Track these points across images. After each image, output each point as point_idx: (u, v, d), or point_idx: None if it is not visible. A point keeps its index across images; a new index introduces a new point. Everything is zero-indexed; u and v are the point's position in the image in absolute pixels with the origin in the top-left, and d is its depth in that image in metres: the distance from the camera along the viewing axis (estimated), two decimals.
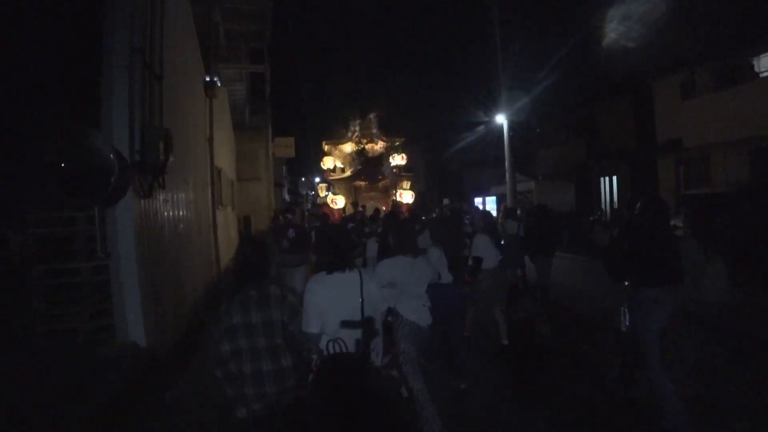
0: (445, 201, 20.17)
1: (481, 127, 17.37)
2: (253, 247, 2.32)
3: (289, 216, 6.28)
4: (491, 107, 15.52)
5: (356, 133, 14.55)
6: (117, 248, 3.36)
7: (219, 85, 9.07)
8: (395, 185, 13.85)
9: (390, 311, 2.92)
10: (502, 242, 6.25)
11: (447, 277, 3.72)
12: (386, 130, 15.08)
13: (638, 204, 3.10)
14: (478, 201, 22.29)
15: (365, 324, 2.28)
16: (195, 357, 4.50)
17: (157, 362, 3.65)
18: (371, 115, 14.84)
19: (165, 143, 3.84)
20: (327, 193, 15.74)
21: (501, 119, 14.95)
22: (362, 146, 13.74)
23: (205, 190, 7.55)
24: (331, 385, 1.91)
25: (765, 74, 10.93)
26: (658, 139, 13.84)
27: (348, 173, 13.74)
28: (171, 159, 3.95)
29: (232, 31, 13.20)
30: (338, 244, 2.42)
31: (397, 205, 10.99)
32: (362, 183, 13.31)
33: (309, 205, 24.70)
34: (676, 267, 2.93)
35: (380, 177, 13.54)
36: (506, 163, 14.81)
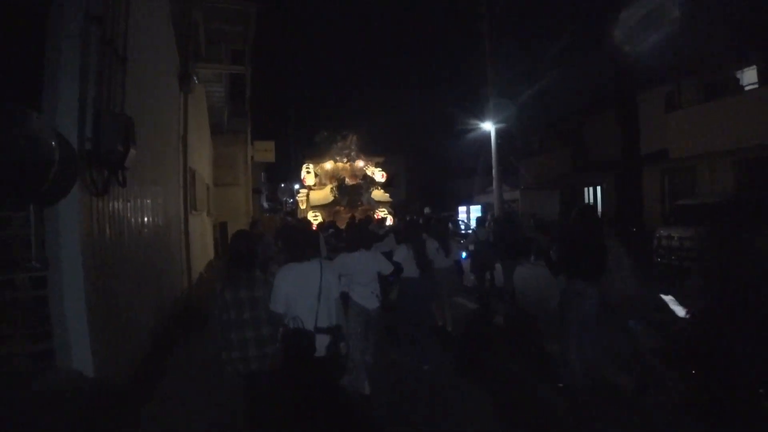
0: (426, 210, 20.05)
1: (467, 137, 17.23)
2: (245, 242, 2.86)
3: (289, 219, 6.78)
4: (478, 117, 15.38)
5: (337, 153, 14.60)
6: (59, 255, 2.72)
7: (196, 81, 8.43)
8: (374, 210, 13.84)
9: (342, 296, 3.34)
10: (470, 247, 7.28)
11: (414, 272, 4.37)
12: (366, 151, 15.13)
13: (574, 211, 3.77)
14: (462, 210, 22.22)
15: (334, 331, 2.77)
16: (160, 388, 3.81)
17: (111, 396, 2.99)
18: (353, 137, 14.86)
19: (126, 132, 3.24)
20: (308, 203, 15.33)
21: (488, 128, 14.78)
22: (343, 179, 13.88)
23: (177, 193, 6.86)
24: (293, 356, 2.61)
25: (749, 87, 11.05)
26: (643, 149, 13.88)
27: (329, 190, 13.64)
28: (132, 152, 3.33)
29: (213, 32, 12.59)
30: (300, 240, 2.98)
31: (369, 216, 10.95)
32: (342, 208, 13.40)
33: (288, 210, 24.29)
34: (600, 264, 3.49)
35: (360, 204, 13.68)
36: (494, 171, 14.62)
